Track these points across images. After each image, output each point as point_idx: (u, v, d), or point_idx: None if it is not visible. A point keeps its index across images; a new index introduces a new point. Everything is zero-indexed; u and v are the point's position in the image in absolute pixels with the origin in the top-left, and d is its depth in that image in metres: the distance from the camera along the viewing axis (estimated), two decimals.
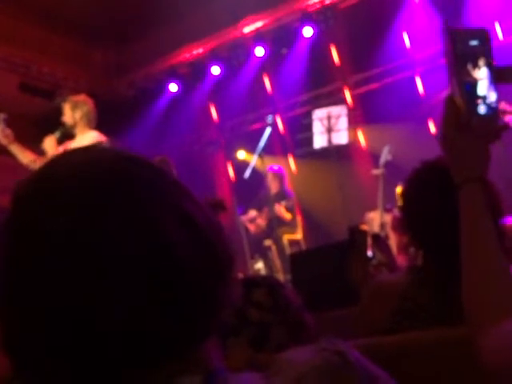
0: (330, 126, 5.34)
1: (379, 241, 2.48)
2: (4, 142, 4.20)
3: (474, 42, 1.00)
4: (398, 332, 1.35)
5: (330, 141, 5.31)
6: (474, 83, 0.98)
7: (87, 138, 4.17)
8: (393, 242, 4.61)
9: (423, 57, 6.82)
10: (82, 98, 4.34)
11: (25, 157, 4.29)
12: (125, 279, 0.54)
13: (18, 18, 6.80)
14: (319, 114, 5.47)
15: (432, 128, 6.38)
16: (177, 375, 0.57)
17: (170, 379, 0.57)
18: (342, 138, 5.35)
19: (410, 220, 1.46)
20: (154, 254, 0.55)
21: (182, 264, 0.56)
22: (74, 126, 4.22)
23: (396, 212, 5.05)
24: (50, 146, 4.15)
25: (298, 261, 3.06)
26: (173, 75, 7.80)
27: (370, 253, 2.39)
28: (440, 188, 1.33)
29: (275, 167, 6.28)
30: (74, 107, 4.22)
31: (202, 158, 8.02)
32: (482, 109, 0.97)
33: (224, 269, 0.61)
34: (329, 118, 5.37)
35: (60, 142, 4.27)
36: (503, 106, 4.13)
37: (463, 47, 0.99)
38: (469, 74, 0.98)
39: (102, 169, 0.58)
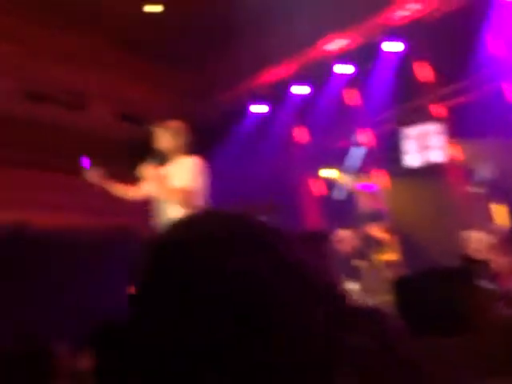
0: (424, 143, 5.20)
1: (491, 269, 2.37)
2: (99, 183, 4.41)
3: None
4: None
5: (423, 159, 5.18)
6: None
7: (187, 162, 4.24)
8: (498, 264, 4.40)
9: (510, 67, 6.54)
10: (181, 124, 4.39)
11: (117, 191, 4.48)
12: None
13: (108, 47, 7.09)
14: (412, 132, 5.35)
15: None
16: None
17: None
18: (437, 155, 5.20)
19: None
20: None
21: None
22: (172, 152, 4.27)
23: (503, 232, 4.82)
24: (149, 173, 4.21)
25: (402, 286, 2.96)
26: (256, 96, 7.89)
27: (483, 283, 2.29)
28: None
29: (368, 185, 6.16)
30: (176, 134, 4.29)
31: (288, 177, 8.02)
32: None
33: (323, 304, 0.64)
34: (422, 135, 5.24)
35: (156, 166, 4.34)
36: None
37: None
38: None
39: (247, 238, 0.65)
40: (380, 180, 7.19)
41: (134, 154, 7.97)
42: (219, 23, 7.10)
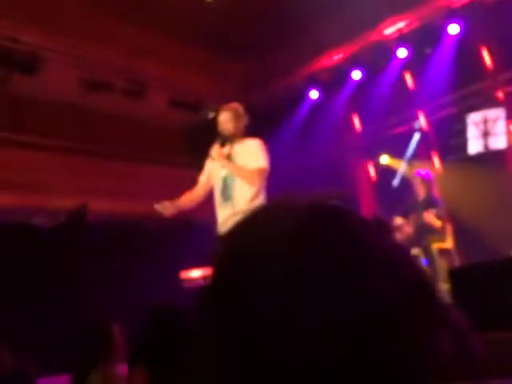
0: (487, 130, 5.04)
1: None
2: (171, 211, 4.46)
3: None
4: None
5: (486, 145, 5.01)
6: None
7: (250, 145, 4.32)
8: None
9: None
10: (240, 107, 4.46)
11: (187, 200, 4.61)
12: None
13: (159, 34, 7.18)
14: (474, 118, 5.18)
15: None
16: None
17: None
18: (499, 142, 5.03)
19: None
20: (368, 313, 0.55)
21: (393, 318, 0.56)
22: (235, 134, 4.34)
23: None
24: (217, 152, 4.30)
25: (461, 276, 2.89)
26: (313, 82, 7.82)
27: None
28: None
29: (423, 172, 6.01)
30: (237, 115, 4.38)
31: (344, 164, 7.95)
32: None
33: (433, 314, 0.61)
34: (485, 121, 5.07)
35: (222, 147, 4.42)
36: None
37: None
38: None
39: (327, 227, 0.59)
40: (437, 167, 7.02)
41: (193, 140, 8.10)
42: (278, 10, 7.05)
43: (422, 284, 0.60)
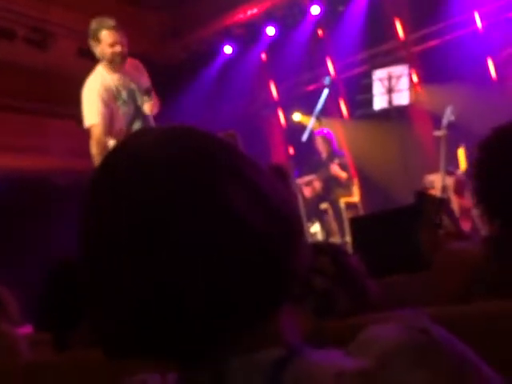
0: (391, 86, 5.20)
1: (446, 206, 2.41)
2: None
3: None
4: (471, 303, 1.31)
5: (390, 102, 5.18)
6: None
7: None
8: (455, 205, 4.50)
9: (486, 11, 6.50)
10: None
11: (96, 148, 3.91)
12: (203, 253, 0.55)
13: None
14: (379, 75, 5.33)
15: (496, 88, 6.12)
16: (254, 349, 0.57)
17: (247, 353, 0.57)
18: (403, 98, 5.20)
19: (486, 189, 1.39)
20: (228, 228, 0.57)
21: (254, 236, 0.58)
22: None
23: (459, 175, 4.90)
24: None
25: (359, 225, 3.02)
26: (227, 37, 7.74)
27: (437, 219, 2.33)
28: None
29: (324, 131, 6.21)
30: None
31: (257, 121, 7.99)
32: None
33: (295, 238, 0.62)
34: (389, 78, 5.23)
35: None
36: None
37: None
38: None
39: (189, 149, 0.60)
40: (344, 123, 7.21)
41: None
42: None
43: (291, 219, 0.62)
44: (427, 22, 6.81)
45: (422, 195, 2.29)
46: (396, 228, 2.66)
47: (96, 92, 3.79)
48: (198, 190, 0.57)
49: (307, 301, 1.53)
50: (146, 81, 3.99)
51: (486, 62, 6.45)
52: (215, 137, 0.63)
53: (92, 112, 3.78)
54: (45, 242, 6.00)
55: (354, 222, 3.09)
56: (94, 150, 3.75)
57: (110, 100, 3.86)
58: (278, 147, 7.98)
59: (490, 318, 1.16)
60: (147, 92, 3.88)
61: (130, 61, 4.00)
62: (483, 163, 1.39)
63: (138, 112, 3.94)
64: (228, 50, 7.79)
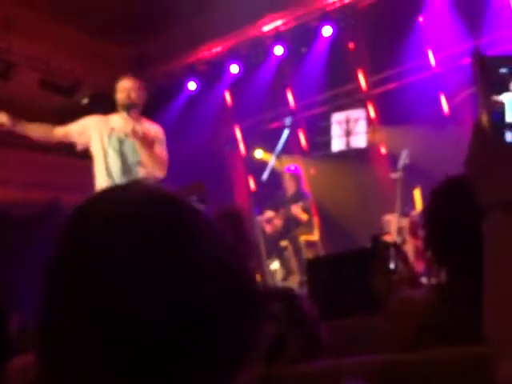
0: (349, 129, 5.33)
1: (400, 251, 2.47)
2: (5, 126, 3.83)
3: (503, 70, 0.99)
4: (421, 350, 1.35)
5: (348, 144, 5.31)
6: (502, 111, 0.97)
7: (157, 130, 4.07)
8: (410, 246, 4.59)
9: (443, 57, 6.76)
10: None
11: (37, 129, 4.00)
12: (163, 325, 0.56)
13: (37, 12, 6.82)
14: (338, 118, 5.48)
15: (451, 131, 6.33)
16: None
17: None
18: (360, 141, 5.35)
19: (435, 237, 1.44)
20: (183, 291, 0.58)
21: (210, 304, 0.59)
22: (137, 107, 4.01)
23: (414, 216, 5.02)
24: (131, 128, 3.85)
25: (315, 266, 3.05)
26: (192, 73, 7.81)
27: (392, 264, 2.38)
28: (469, 207, 1.31)
29: (292, 168, 6.28)
30: (142, 88, 4.07)
31: (220, 157, 8.03)
32: (509, 137, 0.96)
33: (255, 313, 0.64)
34: (347, 121, 5.37)
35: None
36: None
37: (493, 74, 0.98)
38: (497, 102, 0.98)
39: (157, 213, 0.61)
40: (306, 163, 7.32)
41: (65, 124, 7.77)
42: None
43: (245, 285, 0.63)
44: (386, 65, 7.03)
45: (377, 240, 2.34)
46: (350, 271, 2.71)
47: (96, 118, 4.03)
48: (163, 257, 0.57)
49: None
50: (158, 150, 3.98)
51: (441, 105, 6.68)
52: (180, 200, 0.64)
53: (77, 123, 4.01)
54: None
55: (309, 263, 3.13)
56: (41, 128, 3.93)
57: (102, 131, 3.97)
58: (239, 183, 8.02)
59: (439, 365, 1.20)
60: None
61: (151, 123, 4.15)
62: (432, 211, 1.44)
63: (124, 163, 3.91)
64: (192, 85, 7.86)
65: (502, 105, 0.98)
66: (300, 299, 1.67)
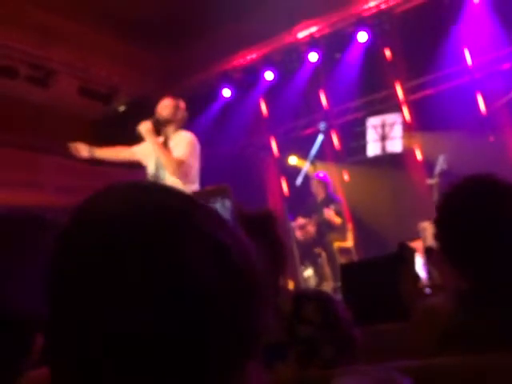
0: (385, 133, 5.27)
1: (433, 255, 2.42)
2: (85, 154, 4.35)
3: None
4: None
5: (383, 149, 5.24)
6: None
7: (182, 135, 4.26)
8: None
9: (482, 62, 6.64)
10: (182, 102, 4.45)
11: (108, 153, 4.45)
12: (157, 309, 0.55)
13: (76, 20, 6.97)
14: (373, 122, 5.41)
15: (488, 136, 6.20)
16: None
17: None
18: (396, 146, 5.27)
19: (455, 239, 1.37)
20: (185, 287, 0.56)
21: (209, 296, 0.57)
22: (169, 122, 4.24)
23: None
24: (146, 128, 4.14)
25: (349, 272, 3.02)
26: (226, 80, 7.86)
27: (420, 270, 2.34)
28: (488, 207, 1.26)
29: (320, 174, 6.25)
30: (177, 107, 4.32)
31: (254, 164, 8.05)
32: None
33: (254, 295, 0.61)
34: (383, 125, 5.30)
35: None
36: None
37: None
38: None
39: (150, 207, 0.60)
40: (339, 168, 7.27)
41: (103, 132, 7.90)
42: (198, 3, 7.01)
43: (251, 278, 0.62)
44: (423, 70, 6.94)
45: (403, 246, 2.30)
46: (381, 276, 2.67)
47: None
48: (155, 248, 0.56)
49: (292, 349, 1.52)
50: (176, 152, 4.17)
51: (479, 111, 6.55)
52: (179, 194, 0.63)
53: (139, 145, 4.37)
54: None
55: (343, 268, 3.10)
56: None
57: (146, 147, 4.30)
58: (273, 189, 8.02)
59: (463, 371, 1.16)
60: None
61: (183, 132, 4.31)
62: (447, 213, 1.36)
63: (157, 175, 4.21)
64: (227, 93, 7.91)
65: None
66: (334, 302, 1.64)
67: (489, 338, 1.18)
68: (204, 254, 0.58)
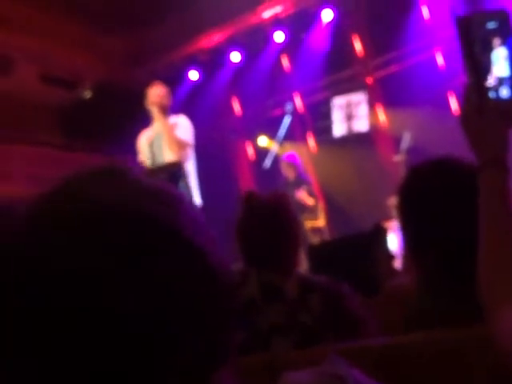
0: (350, 113, 5.29)
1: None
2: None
3: (491, 24, 0.98)
4: None
5: (350, 128, 5.27)
6: (488, 66, 0.96)
7: (182, 119, 4.44)
8: None
9: (445, 36, 6.67)
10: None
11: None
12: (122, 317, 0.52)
13: (34, 6, 6.81)
14: (339, 102, 5.42)
15: (455, 110, 6.26)
16: None
17: None
18: (362, 125, 5.30)
19: (411, 222, 1.37)
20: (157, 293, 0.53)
21: (177, 299, 0.55)
22: (166, 110, 4.40)
23: None
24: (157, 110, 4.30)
25: (317, 252, 3.04)
26: (193, 62, 7.78)
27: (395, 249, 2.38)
28: (449, 189, 1.27)
29: (288, 155, 6.22)
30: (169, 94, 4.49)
31: (222, 146, 8.01)
32: (504, 91, 0.96)
33: (225, 300, 0.60)
34: (348, 105, 5.32)
35: None
36: None
37: (479, 32, 0.97)
38: (484, 58, 0.97)
39: (126, 210, 0.55)
40: (308, 148, 7.28)
41: (69, 119, 7.77)
42: None
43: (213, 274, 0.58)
44: (388, 47, 6.96)
45: (378, 227, 2.33)
46: (351, 256, 2.70)
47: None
48: (125, 254, 0.52)
49: (291, 334, 1.54)
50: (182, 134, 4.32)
51: (445, 87, 6.60)
52: (153, 189, 0.58)
53: None
54: None
55: (311, 249, 3.13)
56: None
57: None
58: (243, 172, 8.00)
59: (426, 349, 1.18)
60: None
61: (180, 117, 4.49)
62: (409, 195, 1.36)
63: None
64: (194, 75, 7.83)
65: (487, 62, 0.97)
66: (341, 297, 1.63)
67: (449, 317, 1.20)
68: (178, 260, 0.55)
